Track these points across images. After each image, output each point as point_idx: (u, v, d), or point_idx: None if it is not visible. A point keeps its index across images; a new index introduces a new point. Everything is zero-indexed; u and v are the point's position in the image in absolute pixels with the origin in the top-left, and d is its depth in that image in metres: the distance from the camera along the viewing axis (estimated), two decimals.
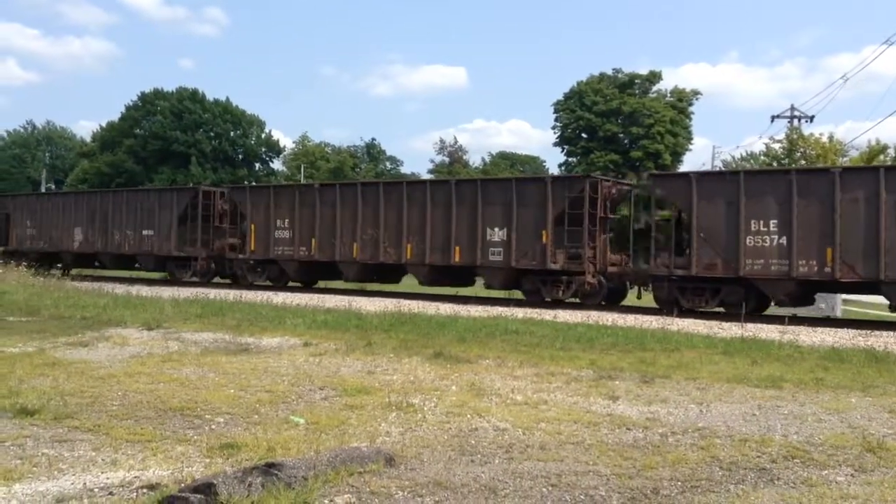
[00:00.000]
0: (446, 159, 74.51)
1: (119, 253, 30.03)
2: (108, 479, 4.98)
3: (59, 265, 32.29)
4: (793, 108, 46.77)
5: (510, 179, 24.84)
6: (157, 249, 28.54)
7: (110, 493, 4.68)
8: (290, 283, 26.29)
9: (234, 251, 26.96)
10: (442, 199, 22.21)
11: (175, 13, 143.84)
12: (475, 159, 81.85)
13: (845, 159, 41.31)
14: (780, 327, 15.75)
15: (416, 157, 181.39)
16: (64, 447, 5.71)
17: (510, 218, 20.94)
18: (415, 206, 22.65)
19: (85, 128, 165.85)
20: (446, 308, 18.38)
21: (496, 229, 21.20)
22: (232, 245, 27.21)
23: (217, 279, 28.48)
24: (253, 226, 25.89)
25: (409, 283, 25.46)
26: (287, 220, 25.16)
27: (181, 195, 28.81)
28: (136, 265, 30.74)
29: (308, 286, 26.28)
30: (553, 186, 20.73)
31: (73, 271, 31.67)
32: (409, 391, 8.03)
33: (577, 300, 20.59)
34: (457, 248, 21.74)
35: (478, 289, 24.57)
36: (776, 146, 44.54)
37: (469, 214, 21.62)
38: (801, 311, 19.21)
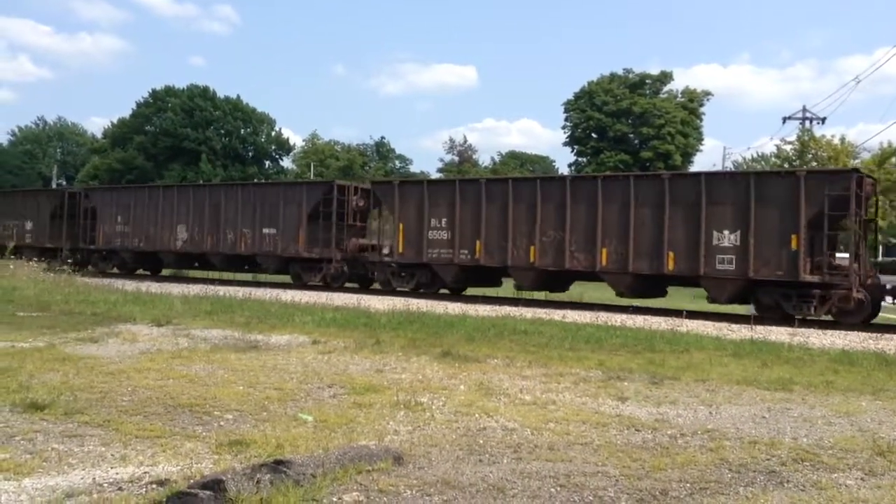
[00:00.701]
0: (456, 158, 74.50)
1: (233, 254, 27.11)
2: (117, 474, 4.99)
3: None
4: (804, 110, 46.72)
5: (747, 174, 21.10)
6: (281, 250, 25.72)
7: (119, 489, 4.69)
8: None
9: (373, 253, 24.50)
10: (651, 197, 19.13)
11: (185, 10, 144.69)
12: (485, 159, 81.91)
13: (857, 161, 41.14)
14: (790, 329, 15.70)
15: (426, 156, 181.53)
16: (74, 442, 5.73)
17: (746, 220, 17.85)
18: (613, 203, 19.61)
19: (96, 124, 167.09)
20: (454, 307, 18.37)
21: (726, 233, 18.17)
22: (369, 246, 25.04)
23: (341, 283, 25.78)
24: (401, 225, 23.09)
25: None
26: (444, 220, 22.28)
27: (312, 190, 25.97)
28: (246, 267, 28.32)
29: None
30: (807, 182, 17.44)
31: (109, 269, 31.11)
32: (417, 390, 8.04)
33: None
34: (670, 255, 18.81)
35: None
36: (787, 148, 44.43)
37: (688, 215, 18.57)
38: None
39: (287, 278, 26.89)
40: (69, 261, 30.62)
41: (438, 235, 22.35)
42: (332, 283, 24.65)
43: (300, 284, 25.24)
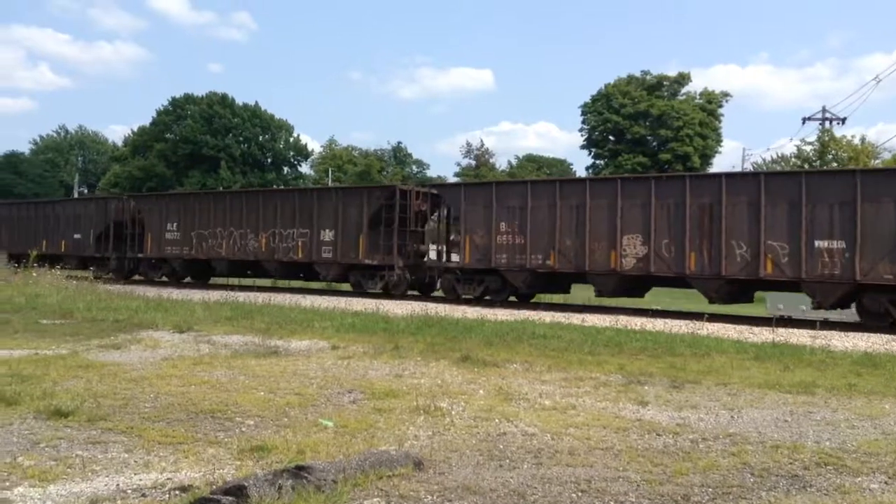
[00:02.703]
0: (473, 162, 74.55)
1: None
2: (140, 480, 5.04)
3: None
4: (824, 110, 46.32)
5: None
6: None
7: (143, 495, 4.74)
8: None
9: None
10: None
11: (203, 18, 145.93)
12: (501, 162, 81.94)
13: (877, 161, 40.79)
14: (811, 332, 15.57)
15: (443, 160, 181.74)
16: (97, 449, 5.79)
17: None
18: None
19: (116, 132, 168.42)
20: (472, 312, 18.37)
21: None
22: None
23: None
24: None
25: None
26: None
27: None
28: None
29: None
30: None
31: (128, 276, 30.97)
32: (436, 395, 8.04)
33: None
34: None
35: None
36: (807, 148, 44.11)
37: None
38: (834, 316, 18.92)
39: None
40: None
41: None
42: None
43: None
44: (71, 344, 11.44)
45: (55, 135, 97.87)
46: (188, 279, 29.99)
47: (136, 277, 31.28)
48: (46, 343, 11.41)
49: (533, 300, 22.59)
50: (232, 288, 25.69)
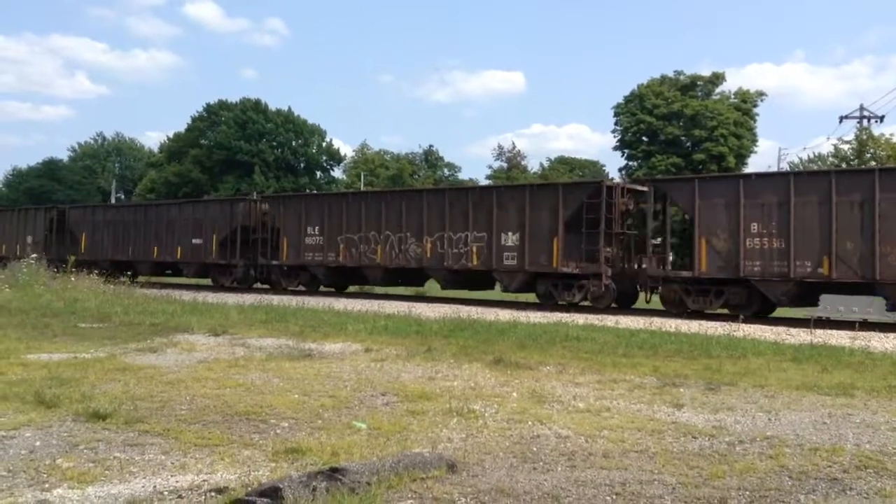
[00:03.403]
0: (504, 165, 74.40)
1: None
2: (177, 482, 5.09)
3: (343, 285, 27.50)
4: (862, 108, 45.57)
5: None
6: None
7: (179, 497, 4.79)
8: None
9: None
10: None
11: (237, 25, 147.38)
12: (533, 164, 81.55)
13: None
14: (850, 333, 15.32)
15: (475, 163, 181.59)
16: (135, 451, 5.86)
17: None
18: None
19: (152, 138, 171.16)
20: (505, 314, 18.33)
21: None
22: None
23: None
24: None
25: None
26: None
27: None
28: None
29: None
30: None
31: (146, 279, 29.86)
32: (469, 397, 8.03)
33: None
34: None
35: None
36: (845, 147, 43.45)
37: None
38: (874, 316, 18.50)
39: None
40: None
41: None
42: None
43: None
44: (109, 347, 11.61)
45: (93, 142, 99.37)
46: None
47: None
48: (85, 346, 11.58)
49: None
50: (266, 291, 25.60)
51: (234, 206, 29.93)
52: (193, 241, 30.40)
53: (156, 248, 31.69)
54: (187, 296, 22.90)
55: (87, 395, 7.69)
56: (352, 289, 28.86)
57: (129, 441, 6.13)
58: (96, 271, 27.11)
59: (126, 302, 19.16)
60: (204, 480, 5.11)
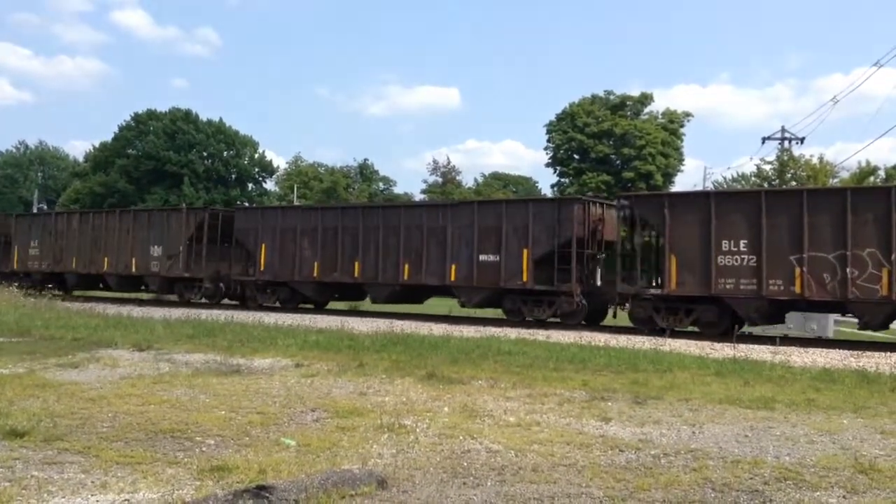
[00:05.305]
0: (439, 180, 74.66)
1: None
2: (97, 501, 4.95)
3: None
4: (783, 130, 47.11)
5: None
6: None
7: None
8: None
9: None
10: None
11: (167, 33, 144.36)
12: (468, 180, 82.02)
13: (835, 180, 41.62)
14: (771, 348, 15.79)
15: (410, 177, 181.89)
16: (54, 469, 5.67)
17: None
18: None
19: (77, 148, 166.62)
20: (439, 329, 18.35)
21: None
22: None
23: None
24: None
25: None
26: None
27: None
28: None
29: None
30: None
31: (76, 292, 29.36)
32: (401, 412, 8.01)
33: None
34: None
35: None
36: (767, 167, 44.89)
37: None
38: (794, 332, 19.13)
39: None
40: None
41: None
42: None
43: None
44: (28, 362, 11.22)
45: (14, 150, 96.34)
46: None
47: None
48: (3, 361, 11.17)
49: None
50: (195, 306, 25.16)
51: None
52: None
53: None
54: (111, 310, 22.30)
55: (3, 411, 7.42)
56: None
57: (47, 459, 5.93)
58: (16, 284, 26.19)
59: (47, 316, 18.57)
60: (125, 500, 4.98)
